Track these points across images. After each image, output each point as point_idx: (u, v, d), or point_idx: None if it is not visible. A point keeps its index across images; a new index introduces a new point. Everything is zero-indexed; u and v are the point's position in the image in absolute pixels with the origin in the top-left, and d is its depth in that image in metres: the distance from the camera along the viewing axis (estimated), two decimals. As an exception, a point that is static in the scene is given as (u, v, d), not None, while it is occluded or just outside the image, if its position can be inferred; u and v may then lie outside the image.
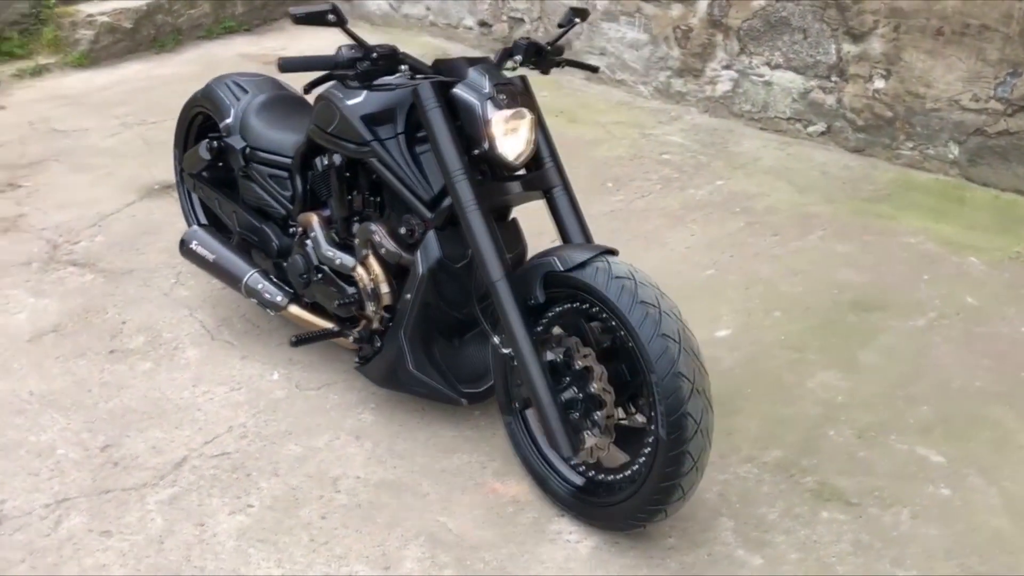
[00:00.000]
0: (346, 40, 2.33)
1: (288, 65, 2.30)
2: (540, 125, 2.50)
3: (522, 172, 2.46)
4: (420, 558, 2.29)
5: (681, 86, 5.16)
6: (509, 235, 2.57)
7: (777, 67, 4.71)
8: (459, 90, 2.36)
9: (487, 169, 2.40)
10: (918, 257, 3.57)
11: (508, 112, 2.32)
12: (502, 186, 2.39)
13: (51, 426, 2.76)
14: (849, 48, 4.40)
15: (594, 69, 2.83)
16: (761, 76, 4.78)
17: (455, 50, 6.28)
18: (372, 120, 2.49)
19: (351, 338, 2.68)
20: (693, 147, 4.66)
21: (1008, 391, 2.82)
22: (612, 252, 2.24)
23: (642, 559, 2.27)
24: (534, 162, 2.47)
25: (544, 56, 2.62)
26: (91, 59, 6.10)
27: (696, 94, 5.10)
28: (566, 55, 2.72)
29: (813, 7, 4.47)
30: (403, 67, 2.40)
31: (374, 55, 2.33)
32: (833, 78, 4.51)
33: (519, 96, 2.37)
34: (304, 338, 2.67)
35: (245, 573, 2.25)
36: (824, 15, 4.44)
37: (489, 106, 2.31)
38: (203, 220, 3.45)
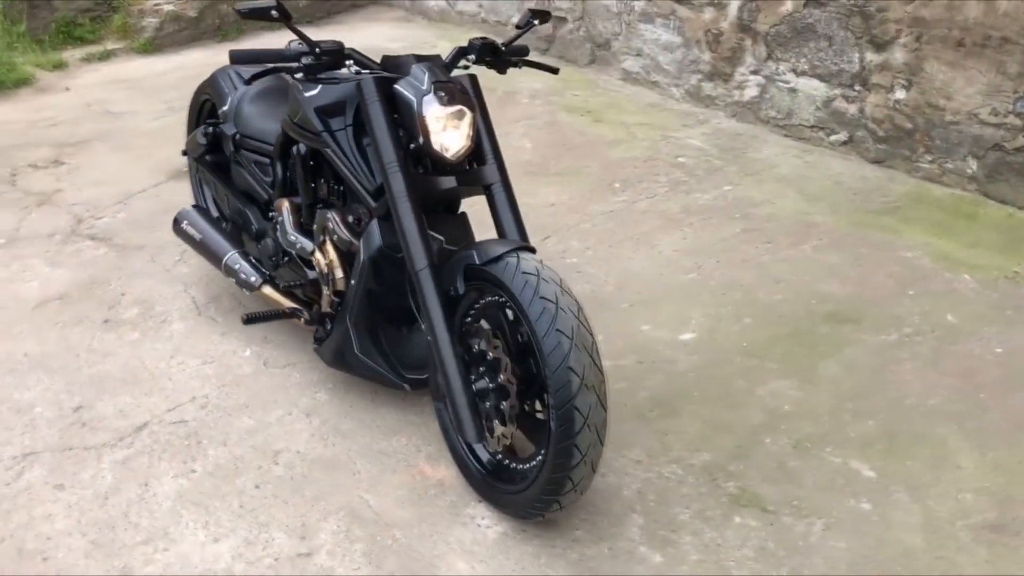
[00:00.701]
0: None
1: (237, 57, 2.43)
2: (485, 123, 2.57)
3: (468, 168, 2.53)
4: (336, 531, 2.40)
5: (711, 90, 5.14)
6: (457, 229, 2.65)
7: (803, 74, 4.65)
8: (399, 86, 2.45)
9: (428, 163, 2.48)
10: (909, 272, 3.51)
11: (445, 108, 2.40)
12: (436, 180, 2.48)
13: (35, 386, 2.97)
14: (872, 57, 4.33)
15: (554, 71, 2.88)
16: (787, 83, 4.73)
17: (502, 47, 6.37)
18: (324, 112, 2.61)
19: (302, 320, 2.81)
20: (711, 151, 4.65)
21: (962, 411, 2.77)
22: (529, 249, 2.30)
23: (544, 548, 2.33)
24: (477, 158, 2.55)
25: (500, 56, 2.69)
26: (155, 46, 6.41)
27: (725, 98, 5.08)
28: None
29: (838, 14, 4.41)
30: (349, 62, 2.51)
31: (317, 50, 2.44)
32: (856, 87, 4.44)
33: (459, 94, 2.45)
34: (255, 316, 2.81)
35: (173, 532, 2.40)
36: (849, 23, 4.38)
37: (425, 102, 2.40)
38: (208, 201, 3.63)
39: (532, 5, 5.85)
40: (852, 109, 4.49)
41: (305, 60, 2.44)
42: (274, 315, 2.84)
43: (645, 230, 3.89)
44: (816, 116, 4.65)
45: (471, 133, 2.46)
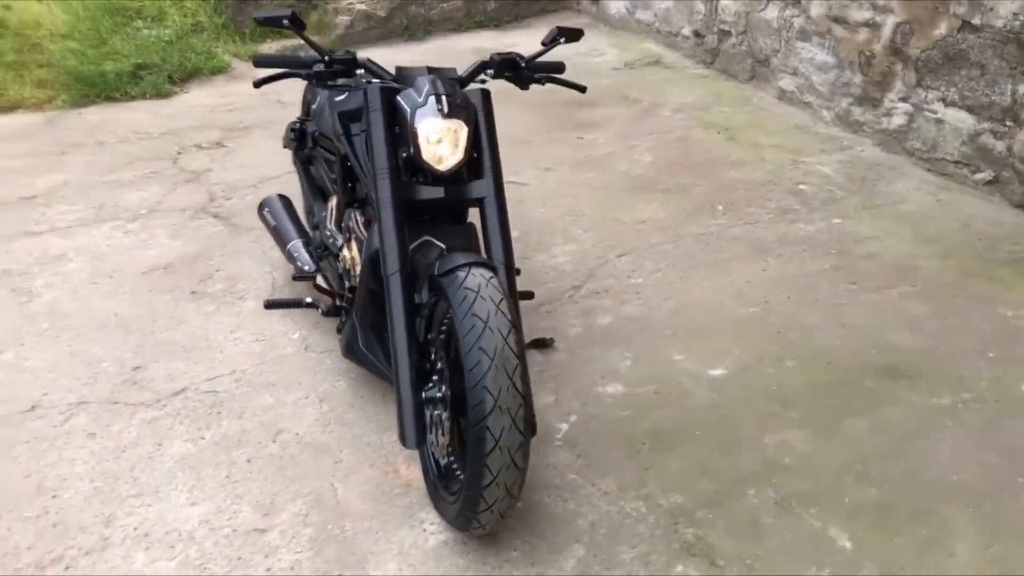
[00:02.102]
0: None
1: (260, 61, 2.62)
2: (489, 138, 2.60)
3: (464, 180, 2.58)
4: (296, 513, 2.54)
5: (860, 115, 4.83)
6: (460, 238, 2.70)
7: (951, 104, 4.27)
8: (400, 96, 2.54)
9: (422, 172, 2.56)
10: (999, 332, 3.17)
11: (438, 121, 2.46)
12: (422, 189, 2.54)
13: (111, 343, 3.33)
14: (1024, 90, 3.91)
15: (581, 89, 2.86)
16: (934, 112, 4.36)
17: (670, 57, 6.30)
18: (346, 116, 2.75)
19: (320, 311, 2.97)
20: (837, 180, 4.38)
21: (985, 493, 2.49)
22: (487, 266, 2.31)
23: (475, 562, 2.35)
24: (475, 172, 2.59)
25: (520, 72, 2.71)
26: (344, 42, 6.86)
27: (872, 125, 4.75)
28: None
29: (993, 41, 4.01)
30: (359, 71, 2.63)
31: (326, 58, 2.58)
32: (1006, 122, 4.03)
33: (457, 108, 2.50)
34: (275, 303, 3.00)
35: (162, 490, 2.64)
36: (1003, 51, 3.97)
37: (419, 113, 2.47)
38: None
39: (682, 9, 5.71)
40: (1000, 146, 4.07)
41: (316, 68, 2.57)
42: (293, 303, 3.02)
43: (727, 257, 3.74)
44: (961, 151, 4.25)
45: (465, 146, 2.50)
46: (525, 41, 6.90)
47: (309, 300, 3.02)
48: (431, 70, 2.63)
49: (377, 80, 2.65)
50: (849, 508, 2.47)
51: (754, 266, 3.66)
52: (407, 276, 2.43)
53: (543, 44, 2.77)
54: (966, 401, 2.84)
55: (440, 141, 2.47)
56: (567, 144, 4.93)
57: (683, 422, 2.81)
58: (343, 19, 6.87)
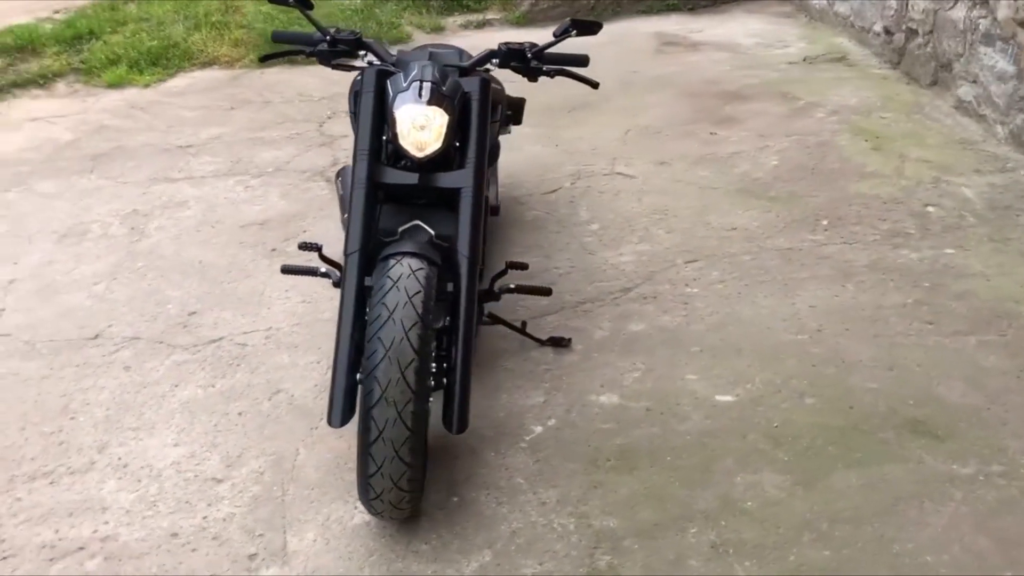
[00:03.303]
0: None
1: (278, 36, 2.73)
2: (479, 128, 2.57)
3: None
4: (253, 470, 2.67)
5: (1032, 134, 4.25)
6: (452, 225, 2.69)
7: None
8: (390, 80, 2.56)
9: (403, 158, 2.56)
10: (1076, 403, 2.72)
11: (415, 107, 2.47)
12: (395, 173, 2.55)
13: (184, 287, 3.62)
14: None
15: (594, 84, 2.74)
16: (1107, 138, 3.76)
17: (857, 55, 5.85)
18: (358, 95, 2.80)
19: (332, 282, 3.06)
20: (976, 206, 3.90)
21: (958, 582, 2.17)
22: (422, 258, 2.29)
23: (385, 548, 2.37)
24: (459, 162, 2.56)
25: (527, 63, 2.65)
26: (528, 19, 6.92)
27: (1043, 146, 4.17)
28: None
29: None
30: (361, 52, 2.67)
31: (328, 38, 2.63)
32: None
33: (441, 96, 2.48)
34: (291, 269, 3.11)
35: (157, 428, 2.86)
36: None
37: (400, 98, 2.49)
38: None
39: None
40: None
41: (320, 46, 2.64)
42: (308, 271, 3.13)
43: (803, 277, 3.45)
44: None
45: (444, 135, 2.48)
46: (711, 28, 6.64)
47: (323, 270, 3.12)
48: (432, 55, 2.61)
49: (379, 62, 2.68)
50: (790, 567, 2.24)
51: (827, 290, 3.35)
52: (365, 258, 2.46)
53: (554, 35, 2.68)
54: (990, 475, 2.47)
55: (421, 128, 2.47)
56: (697, 138, 4.71)
57: (660, 445, 2.65)
58: (529, -5, 6.91)
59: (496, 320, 3.05)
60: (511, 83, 3.39)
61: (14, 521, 2.53)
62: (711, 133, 4.76)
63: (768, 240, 3.71)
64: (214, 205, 4.28)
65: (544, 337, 3.11)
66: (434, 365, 2.45)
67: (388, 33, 6.52)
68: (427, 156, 2.51)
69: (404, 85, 2.49)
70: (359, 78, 3.28)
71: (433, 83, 2.49)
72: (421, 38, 6.62)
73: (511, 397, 2.88)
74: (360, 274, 2.45)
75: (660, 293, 3.38)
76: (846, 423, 2.69)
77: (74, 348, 3.27)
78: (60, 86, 5.97)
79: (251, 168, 4.66)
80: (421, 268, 2.25)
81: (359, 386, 2.24)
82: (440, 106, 2.47)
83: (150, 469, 2.69)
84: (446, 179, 2.54)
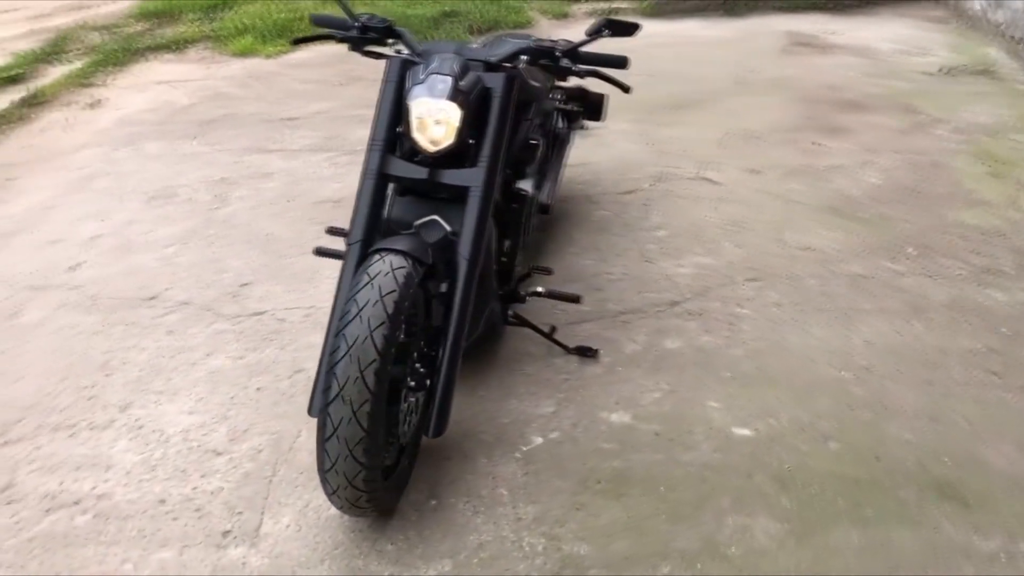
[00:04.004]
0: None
1: (315, 19, 2.73)
2: (498, 127, 2.49)
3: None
4: (253, 447, 2.71)
5: None
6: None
7: None
8: (410, 71, 2.52)
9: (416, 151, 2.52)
10: None
11: (427, 100, 2.41)
12: (408, 167, 2.50)
13: (246, 258, 3.72)
14: None
15: (625, 88, 2.59)
16: None
17: (1006, 68, 5.40)
18: None
19: None
20: (1089, 248, 3.51)
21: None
22: (407, 256, 2.24)
23: (350, 543, 2.35)
24: (472, 159, 2.50)
25: (557, 62, 2.55)
26: (657, 10, 6.74)
27: None
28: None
29: None
30: (391, 40, 2.63)
31: (358, 24, 2.61)
32: None
33: (457, 91, 2.41)
34: (323, 251, 3.12)
35: (179, 394, 2.95)
36: None
37: (414, 91, 2.44)
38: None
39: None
40: None
41: (350, 33, 2.62)
42: (338, 255, 3.13)
43: (868, 309, 3.20)
44: None
45: (456, 131, 2.42)
46: (850, 30, 6.27)
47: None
48: (458, 49, 2.55)
49: (406, 52, 2.63)
50: (756, 626, 2.08)
51: (889, 326, 3.09)
52: (366, 249, 2.43)
53: (586, 34, 2.55)
54: (1015, 555, 2.22)
55: (436, 122, 2.41)
56: (798, 147, 4.46)
57: (658, 473, 2.52)
58: (661, -14, 6.72)
59: (523, 322, 2.98)
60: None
61: (28, 468, 2.66)
62: (815, 143, 4.49)
63: (841, 264, 3.46)
64: (298, 179, 4.37)
65: (571, 345, 3.01)
66: (420, 366, 2.40)
67: (510, 17, 6.48)
68: (438, 151, 2.45)
69: (421, 77, 2.44)
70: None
71: (454, 77, 2.42)
72: (543, 24, 6.55)
73: (521, 404, 2.80)
74: (358, 265, 2.42)
75: (708, 311, 3.21)
76: (866, 475, 2.47)
77: (130, 307, 3.41)
78: (191, 52, 6.25)
79: (344, 145, 4.73)
80: (402, 267, 2.20)
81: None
82: (455, 101, 2.40)
83: (160, 434, 2.77)
84: (455, 176, 2.48)
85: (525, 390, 2.86)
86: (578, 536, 2.33)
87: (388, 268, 2.19)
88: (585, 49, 2.59)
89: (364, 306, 2.12)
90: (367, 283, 2.16)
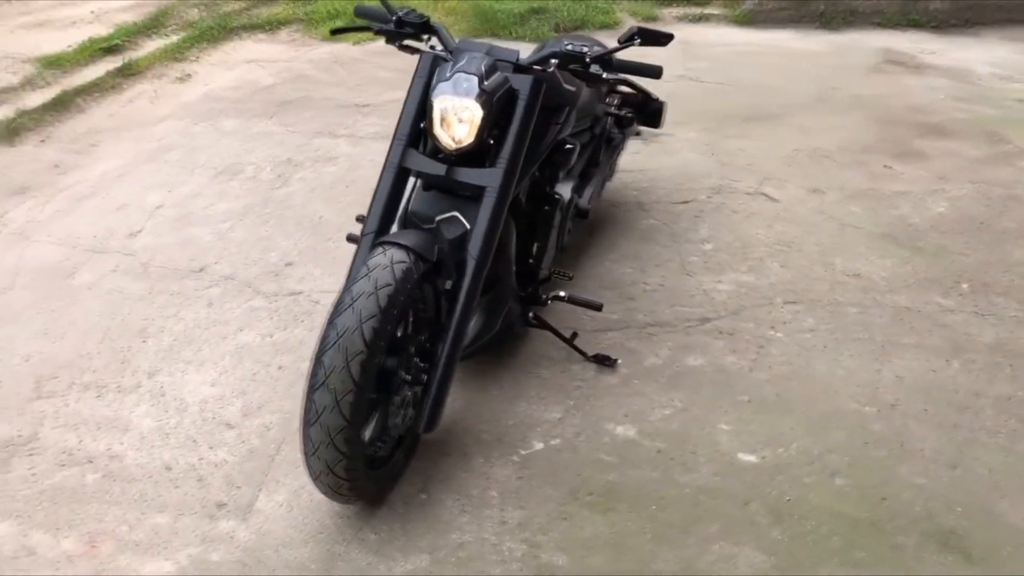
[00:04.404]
0: None
1: (358, 11, 2.78)
2: (520, 129, 2.49)
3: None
4: (263, 425, 2.78)
5: None
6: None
7: None
8: (439, 67, 2.54)
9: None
10: None
11: (449, 98, 2.43)
12: (428, 163, 2.52)
13: (294, 239, 3.80)
14: None
15: (656, 104, 2.55)
16: None
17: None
18: None
19: None
20: None
21: None
22: (410, 252, 2.26)
23: (334, 529, 2.40)
24: (492, 159, 2.50)
25: (586, 68, 2.53)
26: (750, 18, 6.59)
27: None
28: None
29: None
30: (425, 36, 2.65)
31: (395, 18, 2.64)
32: None
33: (481, 91, 2.42)
34: (354, 239, 3.16)
35: (205, 365, 3.04)
36: None
37: (439, 87, 2.46)
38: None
39: None
40: None
41: (386, 26, 2.65)
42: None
43: (905, 343, 3.08)
44: None
45: (477, 130, 2.43)
46: (948, 51, 6.03)
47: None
48: (490, 49, 2.55)
49: (440, 48, 2.65)
50: (720, 658, 2.03)
51: (925, 363, 2.97)
52: (376, 241, 2.46)
53: (619, 42, 2.53)
54: (1011, 616, 2.10)
55: (456, 119, 2.43)
56: (867, 170, 4.31)
57: (651, 491, 2.48)
58: (756, -6, 6.57)
59: (544, 325, 2.97)
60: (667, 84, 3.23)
61: (53, 423, 2.79)
62: (885, 166, 4.33)
63: (888, 295, 3.34)
64: (358, 165, 4.44)
65: (591, 352, 2.99)
66: (421, 360, 2.42)
67: (597, 17, 6.43)
68: (457, 149, 2.46)
69: (447, 74, 2.46)
70: None
71: (479, 76, 2.43)
72: (630, 25, 6.46)
73: (529, 407, 2.79)
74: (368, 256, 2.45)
75: (739, 331, 3.14)
76: (868, 515, 2.38)
77: (177, 277, 3.53)
78: (282, 34, 6.41)
79: (408, 134, 4.77)
80: (402, 262, 2.22)
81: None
82: (477, 100, 2.41)
83: (180, 403, 2.86)
84: (472, 175, 2.49)
85: (536, 393, 2.85)
86: (559, 546, 2.32)
87: (388, 262, 2.22)
88: (619, 56, 2.56)
89: (358, 297, 2.15)
90: (365, 275, 2.18)
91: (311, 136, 4.78)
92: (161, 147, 4.74)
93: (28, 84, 5.34)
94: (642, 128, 4.01)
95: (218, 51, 6.10)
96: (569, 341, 2.98)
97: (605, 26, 6.39)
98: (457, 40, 2.65)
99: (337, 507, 2.44)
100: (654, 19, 6.59)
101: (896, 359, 2.98)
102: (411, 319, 2.40)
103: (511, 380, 2.90)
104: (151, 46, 6.09)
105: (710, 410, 2.77)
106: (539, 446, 2.65)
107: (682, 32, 6.21)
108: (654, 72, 2.57)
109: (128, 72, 5.63)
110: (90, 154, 4.73)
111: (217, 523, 2.42)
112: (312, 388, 2.13)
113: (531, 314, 2.96)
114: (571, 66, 2.54)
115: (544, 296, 2.97)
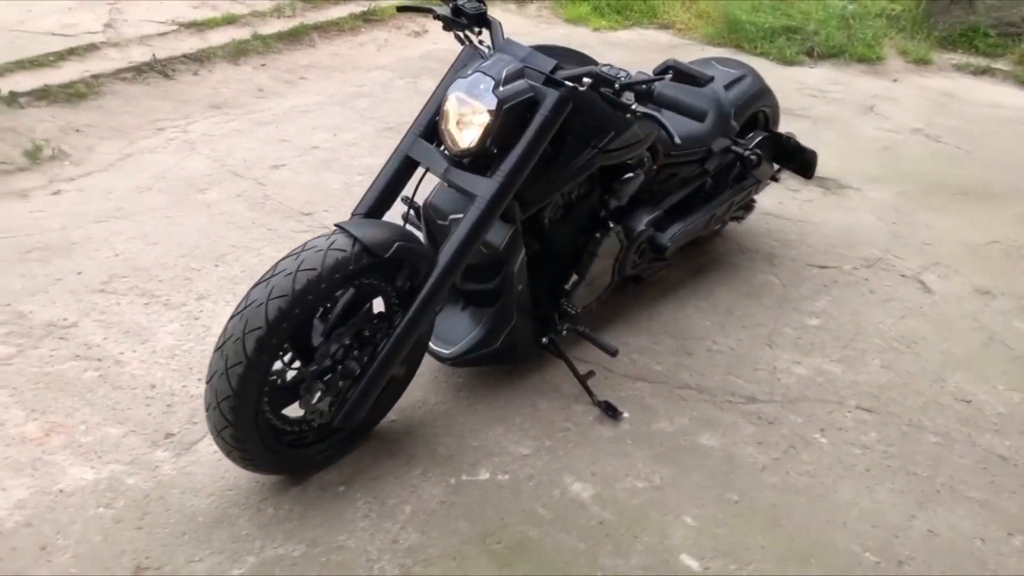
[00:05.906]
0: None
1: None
2: (530, 143, 2.33)
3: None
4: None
5: None
6: (499, 229, 2.53)
7: None
8: (469, 64, 2.43)
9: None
10: None
11: (460, 96, 2.32)
12: (432, 157, 2.42)
13: (320, 203, 3.83)
14: None
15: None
16: None
17: None
18: None
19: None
20: None
21: None
22: (354, 240, 2.19)
23: (240, 492, 2.40)
24: (494, 167, 2.37)
25: (617, 95, 2.31)
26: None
27: None
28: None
29: None
30: (478, 29, 2.53)
31: (452, 5, 2.54)
32: None
33: (497, 96, 2.28)
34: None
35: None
36: None
37: (455, 84, 2.36)
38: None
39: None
40: None
41: (444, 12, 2.57)
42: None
43: (971, 496, 2.56)
44: None
45: (480, 135, 2.31)
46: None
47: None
48: (528, 56, 2.40)
49: (487, 44, 2.53)
50: None
51: (976, 528, 2.44)
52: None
53: (652, 73, 2.27)
54: None
55: (462, 119, 2.32)
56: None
57: (562, 564, 2.26)
58: None
59: (559, 354, 2.79)
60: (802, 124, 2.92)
61: (96, 317, 3.03)
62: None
63: (989, 435, 2.79)
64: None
65: (601, 398, 2.76)
66: (361, 353, 2.35)
67: (858, 48, 5.86)
68: (460, 151, 2.34)
69: (469, 72, 2.34)
70: None
71: (499, 81, 2.29)
72: (895, 64, 5.85)
73: (504, 434, 2.64)
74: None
75: (781, 422, 2.77)
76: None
77: (284, 215, 3.69)
78: (531, 8, 6.45)
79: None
80: (340, 251, 2.15)
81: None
82: (487, 104, 2.28)
83: (205, 330, 3.00)
84: (467, 180, 2.36)
85: (520, 423, 2.69)
86: (503, 565, 2.17)
87: (324, 246, 2.16)
88: (661, 91, 2.29)
89: (278, 273, 2.12)
90: (299, 257, 2.14)
91: (381, 105, 4.77)
92: (357, 93, 4.95)
93: (276, 12, 5.76)
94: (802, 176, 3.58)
95: (463, 13, 6.24)
96: (581, 379, 2.78)
97: (864, 59, 5.83)
98: (504, 39, 2.50)
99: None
100: (927, 62, 5.90)
101: (944, 511, 2.48)
102: (365, 310, 2.33)
103: (503, 402, 2.75)
104: (403, -2, 6.35)
105: (686, 498, 2.47)
106: (484, 476, 2.50)
107: (952, 83, 5.54)
108: (697, 114, 2.28)
109: (370, 17, 5.92)
110: (295, 86, 5.03)
111: (155, 451, 2.51)
112: (215, 347, 2.13)
113: (546, 339, 2.78)
114: (602, 89, 2.32)
115: (560, 327, 2.78)
